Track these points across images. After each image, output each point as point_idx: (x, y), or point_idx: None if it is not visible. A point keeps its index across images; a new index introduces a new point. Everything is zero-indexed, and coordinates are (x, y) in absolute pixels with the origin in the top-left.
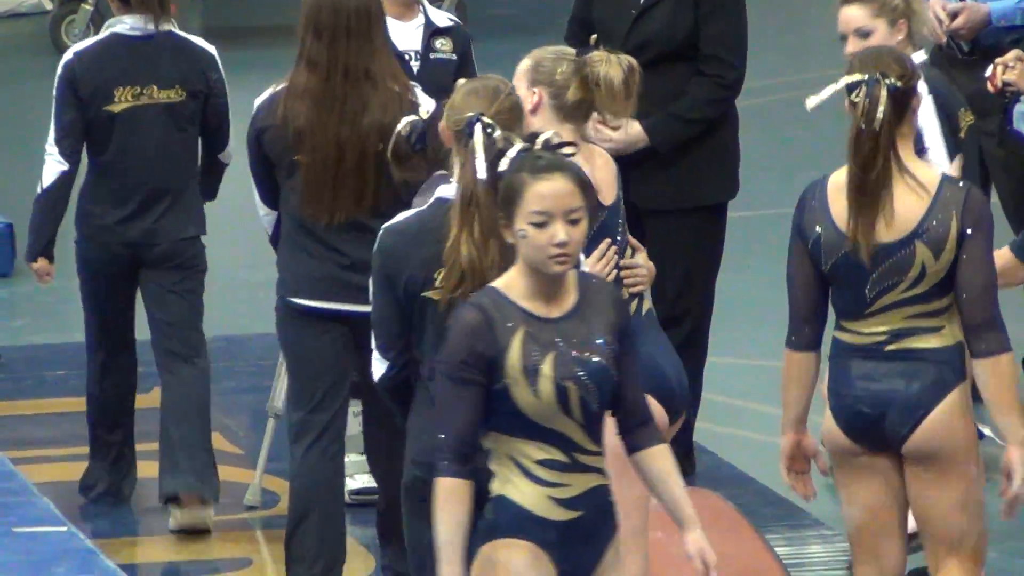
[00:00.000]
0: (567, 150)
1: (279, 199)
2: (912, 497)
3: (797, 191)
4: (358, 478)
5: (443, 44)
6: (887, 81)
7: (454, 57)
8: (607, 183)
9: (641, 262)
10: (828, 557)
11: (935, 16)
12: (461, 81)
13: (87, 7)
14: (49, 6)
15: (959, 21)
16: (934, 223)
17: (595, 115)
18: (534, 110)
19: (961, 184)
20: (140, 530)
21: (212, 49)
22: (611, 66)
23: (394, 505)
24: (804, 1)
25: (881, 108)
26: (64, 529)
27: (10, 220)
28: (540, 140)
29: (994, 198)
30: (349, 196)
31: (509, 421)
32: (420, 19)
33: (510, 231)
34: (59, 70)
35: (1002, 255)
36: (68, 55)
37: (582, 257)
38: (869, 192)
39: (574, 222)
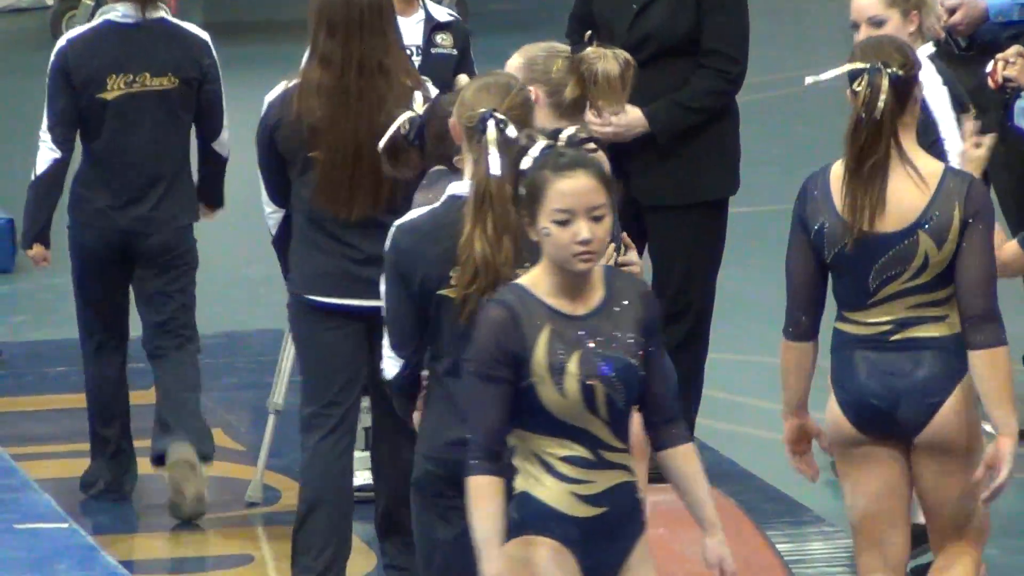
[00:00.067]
0: (589, 146)
1: (288, 197)
2: (923, 485)
3: (798, 187)
4: (359, 475)
5: (444, 39)
6: (889, 70)
7: (454, 52)
8: None
9: (634, 259)
10: (829, 553)
11: None
12: (461, 77)
13: (88, 2)
14: (50, 1)
15: (957, 17)
16: (936, 213)
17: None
18: None
19: (963, 175)
20: (141, 526)
21: (205, 35)
22: (608, 61)
23: (397, 502)
24: None
25: (883, 97)
26: (65, 525)
27: (11, 215)
28: (563, 136)
29: (993, 197)
30: (367, 192)
31: (534, 419)
32: (420, 14)
33: (534, 229)
34: (52, 57)
35: (1010, 247)
36: (61, 42)
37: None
38: (863, 179)
39: (597, 219)
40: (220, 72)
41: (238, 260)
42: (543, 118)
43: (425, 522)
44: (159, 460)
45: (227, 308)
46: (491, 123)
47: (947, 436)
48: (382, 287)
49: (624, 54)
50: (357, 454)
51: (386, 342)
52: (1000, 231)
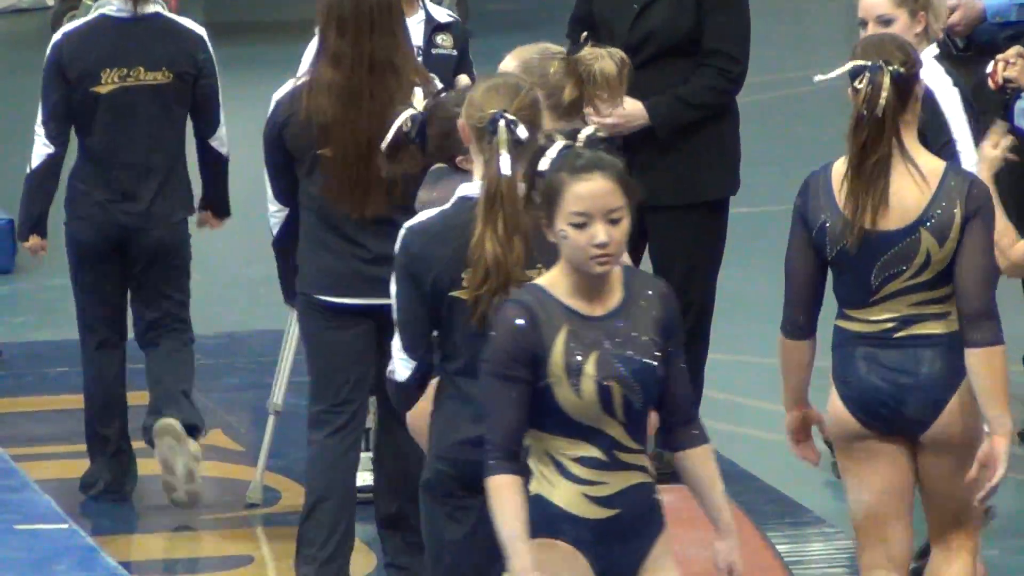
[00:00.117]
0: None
1: (294, 195)
2: (928, 481)
3: (798, 187)
4: (359, 475)
5: (444, 40)
6: (890, 68)
7: (454, 53)
8: None
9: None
10: (829, 554)
11: None
12: (461, 78)
13: (88, 2)
14: (50, 1)
15: (955, 17)
16: (938, 211)
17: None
18: None
19: (964, 173)
20: (141, 527)
21: (201, 30)
22: (604, 61)
23: (399, 500)
24: None
25: (884, 94)
26: (65, 526)
27: (11, 216)
28: (582, 136)
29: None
30: (382, 189)
31: (550, 419)
32: (421, 15)
33: (552, 231)
34: (48, 51)
35: (1021, 248)
36: (57, 36)
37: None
38: (865, 177)
39: (614, 222)
40: (216, 67)
41: (238, 261)
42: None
43: (435, 522)
44: (148, 437)
45: (227, 309)
46: (502, 124)
47: (953, 433)
48: (392, 288)
49: (620, 53)
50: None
51: (396, 343)
52: (1011, 230)
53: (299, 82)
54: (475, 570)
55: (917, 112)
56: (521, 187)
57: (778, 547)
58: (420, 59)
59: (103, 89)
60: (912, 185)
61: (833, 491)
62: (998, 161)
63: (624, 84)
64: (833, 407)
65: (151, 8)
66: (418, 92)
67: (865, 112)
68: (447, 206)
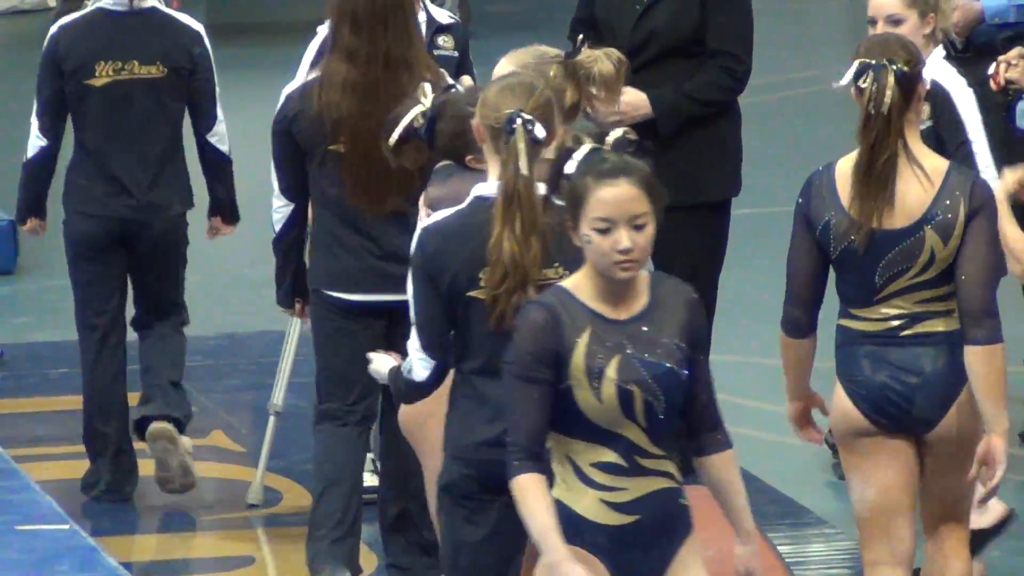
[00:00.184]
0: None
1: (300, 191)
2: (931, 477)
3: (798, 187)
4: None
5: (445, 41)
6: (894, 67)
7: (455, 54)
8: None
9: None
10: (830, 555)
11: None
12: (465, 79)
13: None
14: (52, 3)
15: (953, 18)
16: (942, 209)
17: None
18: None
19: (967, 171)
20: (142, 528)
21: (198, 26)
22: (602, 62)
23: (403, 501)
24: None
25: (889, 93)
26: (66, 527)
27: (12, 216)
28: (610, 139)
29: None
30: (400, 184)
31: (570, 423)
32: (422, 16)
33: (577, 235)
34: (45, 43)
35: None
36: (54, 28)
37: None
38: (877, 176)
39: (639, 227)
40: (213, 62)
41: (240, 261)
42: None
43: (452, 523)
44: (138, 430)
45: (228, 310)
46: (519, 123)
47: (960, 430)
48: (409, 288)
49: (617, 53)
50: None
51: (414, 343)
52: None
53: (310, 77)
54: (491, 572)
55: (920, 111)
56: (539, 186)
57: (779, 548)
58: None
59: (97, 82)
60: (916, 184)
61: (834, 492)
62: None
63: (621, 83)
64: (839, 403)
65: (148, 2)
66: (427, 87)
67: (872, 111)
68: (462, 206)
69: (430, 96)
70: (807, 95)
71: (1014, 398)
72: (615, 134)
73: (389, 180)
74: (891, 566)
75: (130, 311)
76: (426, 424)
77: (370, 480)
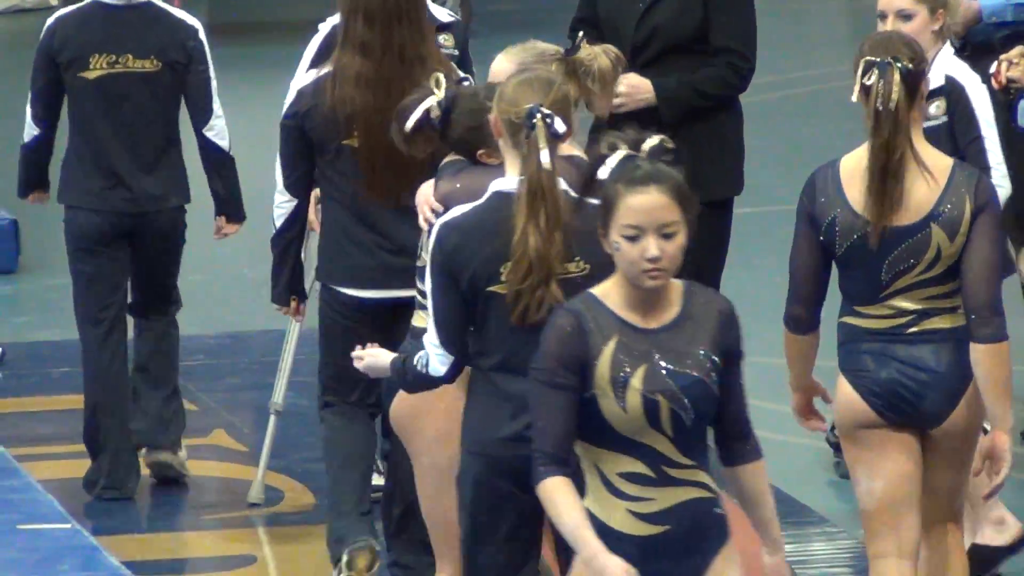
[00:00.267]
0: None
1: (305, 187)
2: (934, 471)
3: (798, 187)
4: None
5: (445, 40)
6: (899, 65)
7: (455, 53)
8: None
9: None
10: (832, 554)
11: None
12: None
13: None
14: (54, 2)
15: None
16: (948, 206)
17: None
18: None
19: (971, 169)
20: (143, 527)
21: (194, 21)
22: (602, 59)
23: (407, 501)
24: None
25: (896, 89)
26: (68, 526)
27: (14, 216)
28: (645, 147)
29: None
30: (414, 178)
31: (596, 432)
32: None
33: (607, 241)
34: (41, 34)
35: None
36: (50, 20)
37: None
38: (891, 173)
39: (668, 236)
40: (208, 56)
41: (240, 260)
42: None
43: (470, 518)
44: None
45: (229, 309)
46: (539, 118)
47: (965, 425)
48: (427, 285)
49: (615, 50)
50: None
51: (432, 338)
52: None
53: (321, 72)
54: (509, 568)
55: (922, 110)
56: (560, 181)
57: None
58: None
59: (91, 74)
60: (922, 181)
61: (836, 491)
62: None
63: (617, 79)
64: (843, 396)
65: None
66: (440, 78)
67: (880, 107)
68: (480, 201)
69: (443, 87)
70: (807, 94)
71: (1016, 398)
72: (651, 141)
73: (402, 173)
74: (898, 558)
75: None
76: (418, 420)
77: (375, 479)
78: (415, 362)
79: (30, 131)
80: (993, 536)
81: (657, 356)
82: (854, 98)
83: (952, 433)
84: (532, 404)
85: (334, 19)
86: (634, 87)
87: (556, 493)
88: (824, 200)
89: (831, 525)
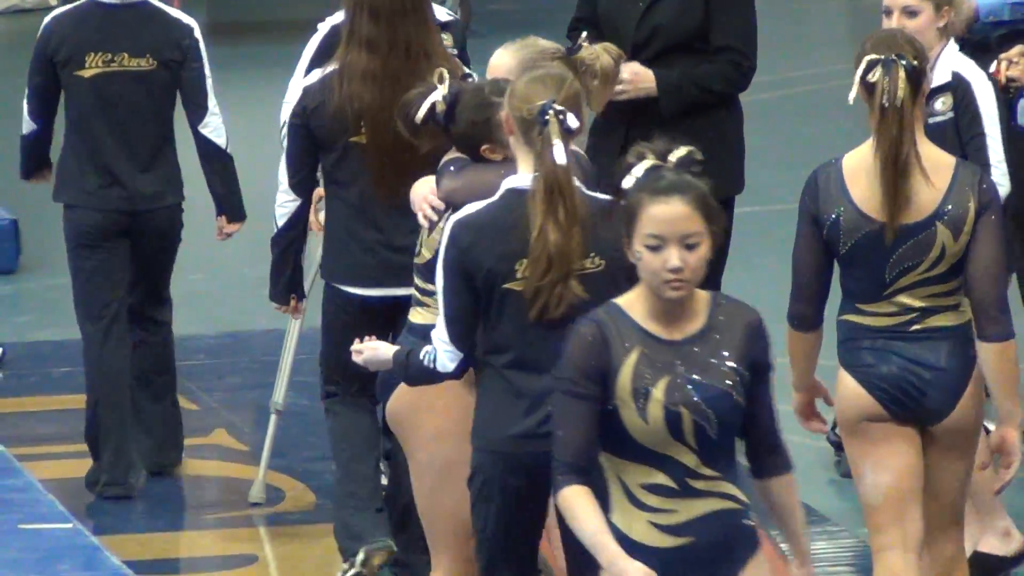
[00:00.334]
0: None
1: (308, 187)
2: (935, 468)
3: (798, 186)
4: None
5: (445, 39)
6: (903, 62)
7: (454, 51)
8: None
9: None
10: (834, 553)
11: None
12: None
13: None
14: (54, 2)
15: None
16: (952, 205)
17: None
18: None
19: (973, 167)
20: (144, 527)
21: (190, 20)
22: (604, 58)
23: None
24: None
25: (902, 86)
26: (69, 526)
27: (15, 216)
28: (673, 157)
29: None
30: (418, 176)
31: (619, 443)
32: None
33: (630, 251)
34: (39, 32)
35: None
36: (47, 19)
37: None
38: (900, 170)
39: (691, 247)
40: (204, 54)
41: (241, 260)
42: None
43: (482, 514)
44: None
45: (230, 308)
46: (551, 114)
47: (966, 422)
48: (439, 283)
49: (616, 48)
50: None
51: (442, 335)
52: None
53: (327, 70)
54: (524, 563)
55: (923, 108)
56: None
57: (783, 546)
58: None
59: (87, 73)
60: (926, 179)
61: (837, 490)
62: None
63: (618, 77)
64: (848, 390)
65: None
66: (444, 73)
67: (886, 103)
68: (494, 199)
69: (447, 82)
70: (807, 93)
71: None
72: (679, 152)
73: (409, 170)
74: (903, 551)
75: None
76: (416, 417)
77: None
78: (421, 357)
79: (28, 126)
80: (997, 545)
81: (680, 367)
82: (851, 99)
83: (953, 430)
84: (553, 413)
85: (333, 19)
86: (637, 75)
87: (575, 501)
88: (828, 199)
89: (832, 524)
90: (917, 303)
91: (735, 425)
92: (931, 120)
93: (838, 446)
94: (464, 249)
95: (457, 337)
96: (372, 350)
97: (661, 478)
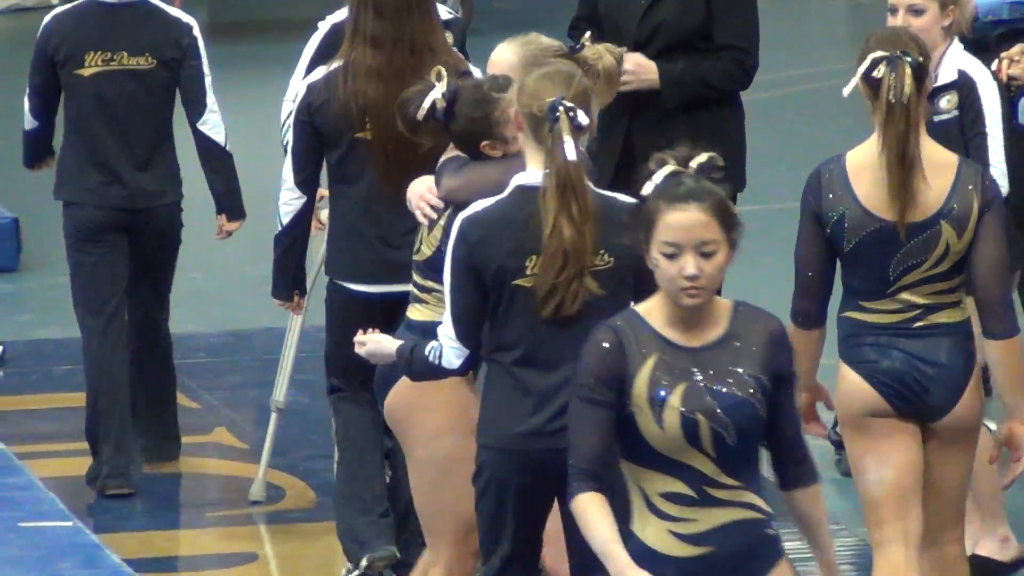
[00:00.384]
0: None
1: (313, 185)
2: (936, 465)
3: (798, 186)
4: None
5: (447, 37)
6: (908, 59)
7: (455, 50)
8: None
9: None
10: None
11: None
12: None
13: None
14: (55, 0)
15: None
16: (957, 203)
17: None
18: None
19: (976, 165)
20: (144, 525)
21: (189, 18)
22: (607, 58)
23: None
24: None
25: (908, 83)
26: (70, 524)
27: (15, 214)
28: (693, 164)
29: None
30: (422, 172)
31: (637, 451)
32: None
33: (648, 257)
34: (39, 31)
35: None
36: (47, 18)
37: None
38: (908, 166)
39: (707, 255)
40: (203, 53)
41: (241, 259)
42: None
43: (488, 510)
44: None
45: (230, 307)
46: (561, 111)
47: (968, 419)
48: (447, 279)
49: (618, 49)
50: None
51: (449, 331)
52: None
53: (332, 67)
54: (532, 560)
55: (926, 107)
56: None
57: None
58: None
59: (86, 72)
60: (930, 178)
61: (838, 489)
62: None
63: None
64: (851, 385)
65: None
66: (442, 70)
67: (892, 99)
68: (503, 195)
69: (445, 79)
70: (807, 92)
71: None
72: (700, 158)
73: (414, 166)
74: (904, 546)
75: None
76: (416, 414)
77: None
78: (426, 353)
79: (29, 123)
80: (995, 550)
81: (698, 375)
82: (846, 92)
83: (953, 426)
84: (570, 420)
85: (334, 17)
86: (640, 67)
87: (588, 508)
88: (831, 196)
89: (833, 523)
90: (920, 300)
91: (755, 434)
92: (936, 118)
93: (838, 445)
94: (474, 245)
95: (464, 334)
96: (376, 343)
97: (679, 486)
